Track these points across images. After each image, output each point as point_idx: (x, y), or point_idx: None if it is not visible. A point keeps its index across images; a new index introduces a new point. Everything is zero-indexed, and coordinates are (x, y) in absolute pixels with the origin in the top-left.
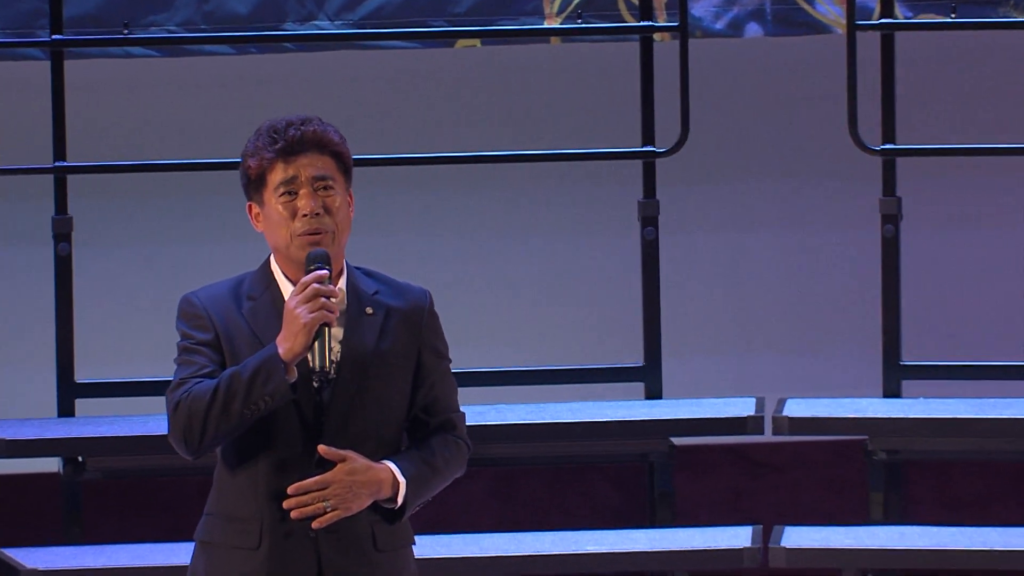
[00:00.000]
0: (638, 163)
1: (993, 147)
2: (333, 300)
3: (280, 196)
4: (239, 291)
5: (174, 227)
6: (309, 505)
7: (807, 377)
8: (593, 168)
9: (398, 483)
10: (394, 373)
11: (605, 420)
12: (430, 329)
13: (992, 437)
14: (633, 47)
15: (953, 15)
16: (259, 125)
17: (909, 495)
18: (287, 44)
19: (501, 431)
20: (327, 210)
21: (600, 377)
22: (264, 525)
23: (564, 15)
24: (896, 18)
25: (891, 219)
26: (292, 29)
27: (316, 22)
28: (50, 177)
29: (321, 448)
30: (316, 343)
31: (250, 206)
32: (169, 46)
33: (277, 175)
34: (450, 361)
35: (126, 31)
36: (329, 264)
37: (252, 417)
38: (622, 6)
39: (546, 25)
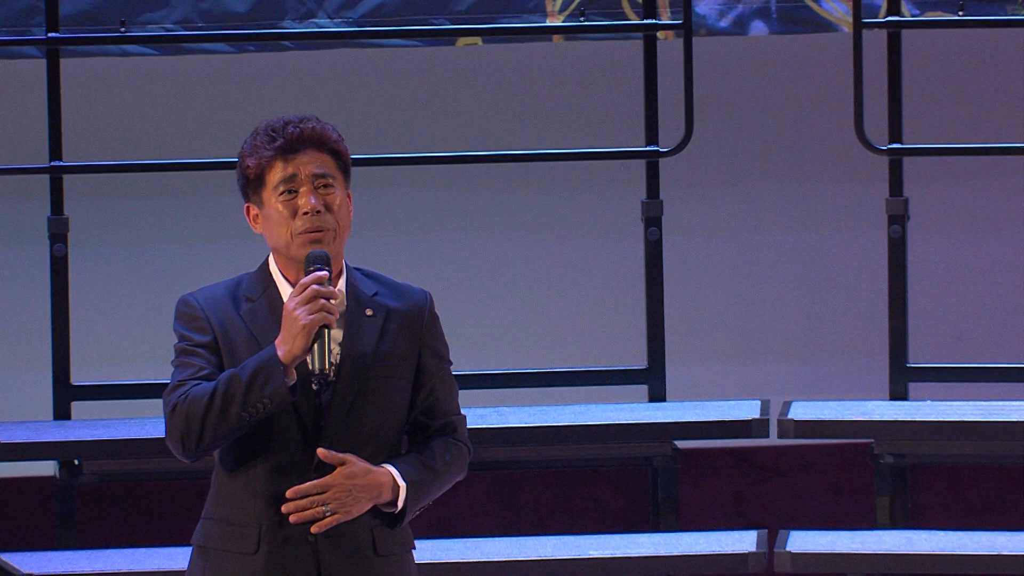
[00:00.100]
0: (641, 163)
1: (1000, 147)
2: (333, 301)
3: (280, 195)
4: (237, 292)
5: (172, 228)
6: (308, 509)
7: (812, 380)
8: (596, 168)
9: (398, 487)
10: (394, 375)
11: (608, 423)
12: (430, 331)
13: (1000, 440)
14: (636, 45)
15: (960, 13)
16: (257, 125)
17: (916, 499)
18: (286, 42)
19: (502, 434)
20: (328, 208)
21: (603, 380)
22: (262, 529)
23: (566, 13)
24: (903, 16)
25: (898, 219)
26: (291, 27)
27: (315, 20)
28: (46, 177)
29: (320, 451)
30: (315, 345)
31: (248, 207)
32: (166, 44)
33: (276, 174)
34: (451, 363)
35: (123, 29)
36: (329, 265)
37: (251, 420)
38: (625, 4)
39: (548, 23)
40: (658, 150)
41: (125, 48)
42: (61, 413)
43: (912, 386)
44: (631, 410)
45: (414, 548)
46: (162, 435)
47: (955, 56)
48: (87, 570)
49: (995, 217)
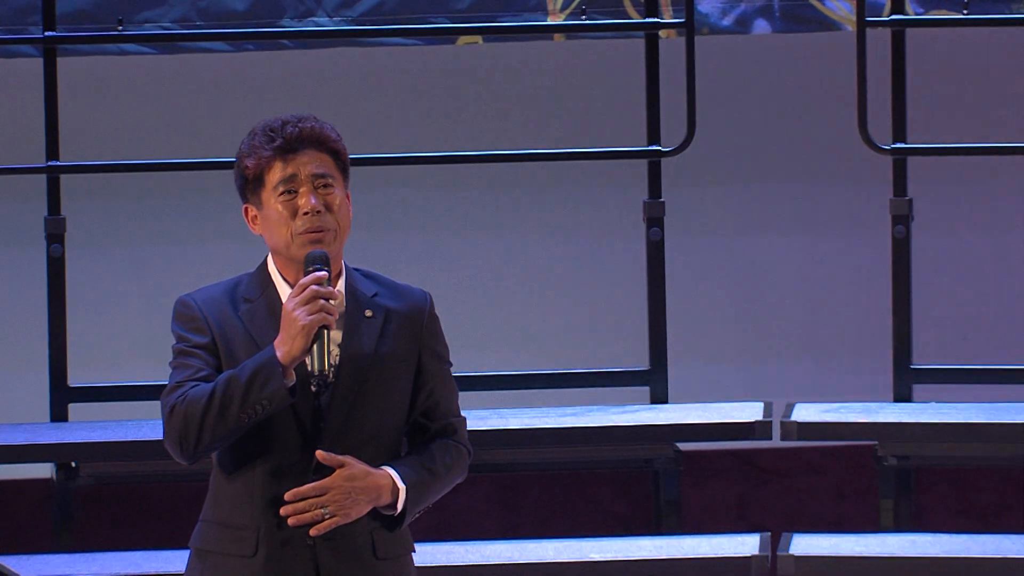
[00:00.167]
0: (643, 163)
1: (1005, 146)
2: (332, 302)
3: (280, 195)
4: (236, 293)
5: (169, 228)
6: (307, 512)
7: (816, 381)
8: (597, 168)
9: (398, 489)
10: (394, 377)
11: (609, 425)
12: (430, 332)
13: (1006, 442)
14: (638, 44)
15: (965, 11)
16: (254, 125)
17: (921, 502)
18: (284, 41)
19: (503, 436)
20: (328, 208)
21: (604, 381)
22: (261, 532)
23: (568, 11)
24: (907, 14)
25: (902, 220)
26: (290, 26)
27: (314, 18)
28: (43, 177)
29: (319, 453)
30: (315, 346)
31: (246, 208)
32: (164, 43)
33: (276, 174)
34: (451, 364)
35: (120, 28)
36: (328, 265)
37: (249, 421)
38: (627, 2)
39: (549, 21)
40: (660, 150)
41: (123, 47)
42: (58, 415)
43: (916, 388)
44: (633, 412)
45: (414, 551)
46: (160, 437)
47: (959, 55)
48: (84, 573)
49: (1000, 217)
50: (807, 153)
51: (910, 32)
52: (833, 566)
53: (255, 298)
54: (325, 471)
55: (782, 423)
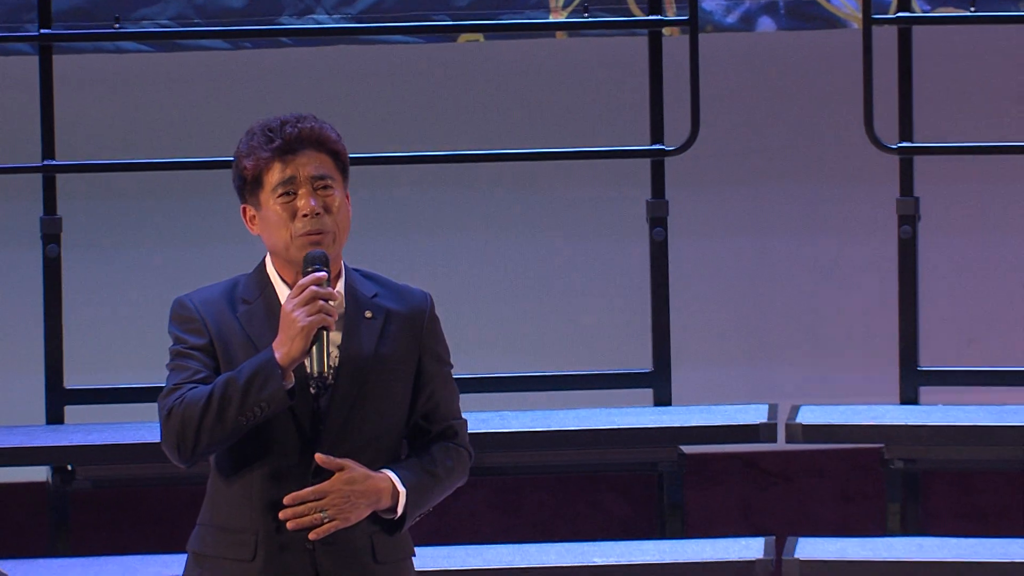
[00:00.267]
0: (646, 162)
1: (1013, 145)
2: (331, 303)
3: (278, 197)
4: (234, 294)
5: (166, 228)
6: (306, 516)
7: (821, 383)
8: (600, 167)
9: (398, 493)
10: (394, 379)
11: (612, 428)
12: (431, 333)
13: (1014, 445)
14: (641, 42)
15: (972, 8)
16: (252, 124)
17: (927, 505)
18: (283, 39)
19: (504, 439)
20: (327, 210)
21: (607, 383)
22: (259, 536)
23: (570, 9)
24: (913, 12)
25: (908, 220)
26: (288, 23)
27: (313, 16)
28: (38, 176)
29: (318, 457)
30: (314, 348)
31: (244, 208)
32: (161, 41)
33: (275, 175)
34: (452, 366)
35: (117, 25)
36: (327, 266)
37: (248, 424)
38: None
39: (551, 19)
40: (664, 149)
41: (119, 44)
42: (54, 417)
43: (923, 390)
44: (636, 414)
45: (414, 555)
46: (157, 440)
47: (967, 52)
48: None
49: (1008, 217)
50: (812, 152)
51: (916, 29)
52: (839, 570)
53: (253, 299)
54: (324, 474)
55: (787, 425)
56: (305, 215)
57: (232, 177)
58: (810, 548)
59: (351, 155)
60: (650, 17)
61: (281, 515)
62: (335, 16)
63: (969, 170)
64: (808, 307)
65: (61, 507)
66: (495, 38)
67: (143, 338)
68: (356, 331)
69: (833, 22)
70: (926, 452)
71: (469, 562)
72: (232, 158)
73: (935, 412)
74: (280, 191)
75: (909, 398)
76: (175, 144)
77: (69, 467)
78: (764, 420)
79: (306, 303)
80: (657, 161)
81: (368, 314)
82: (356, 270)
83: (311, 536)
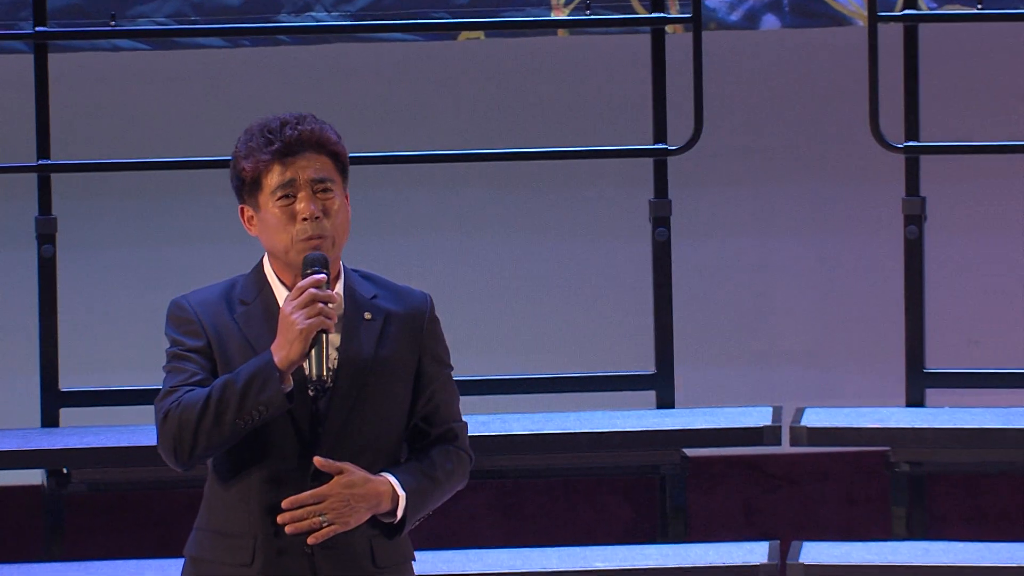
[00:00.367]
0: (649, 161)
1: (1020, 144)
2: (330, 305)
3: (278, 200)
4: (231, 295)
5: (163, 228)
6: (304, 520)
7: (826, 385)
8: (602, 167)
9: (397, 496)
10: (394, 381)
11: (615, 430)
12: (431, 335)
13: (1020, 448)
14: (644, 40)
15: (979, 6)
16: (249, 124)
17: (933, 509)
18: (282, 37)
19: (505, 442)
20: (326, 213)
21: (609, 385)
22: (257, 541)
23: (572, 6)
24: (920, 9)
25: (914, 220)
26: (287, 21)
27: (312, 13)
28: (33, 176)
29: (317, 460)
30: (313, 351)
31: (242, 209)
32: (158, 38)
33: (274, 178)
34: (452, 368)
35: (113, 23)
36: (326, 267)
37: (246, 428)
38: None
39: (553, 17)
40: (667, 148)
41: (115, 42)
42: (49, 420)
43: (929, 392)
44: (638, 417)
45: (414, 559)
46: (153, 443)
47: (974, 51)
48: None
49: (1015, 217)
50: (817, 151)
51: (923, 27)
52: (843, 575)
53: (251, 300)
54: (323, 478)
55: (791, 428)
56: (305, 219)
57: (230, 176)
58: (815, 552)
59: (350, 154)
60: (653, 15)
61: (279, 519)
62: (334, 14)
63: (975, 169)
64: (812, 308)
65: (56, 511)
66: (496, 36)
67: (139, 339)
68: (355, 333)
69: (838, 19)
70: (932, 455)
71: (469, 566)
72: (230, 157)
73: (941, 415)
74: (279, 194)
75: (915, 400)
76: (172, 143)
77: (64, 470)
78: (768, 423)
79: (305, 305)
80: (660, 160)
81: (367, 315)
82: (355, 271)
83: (310, 540)
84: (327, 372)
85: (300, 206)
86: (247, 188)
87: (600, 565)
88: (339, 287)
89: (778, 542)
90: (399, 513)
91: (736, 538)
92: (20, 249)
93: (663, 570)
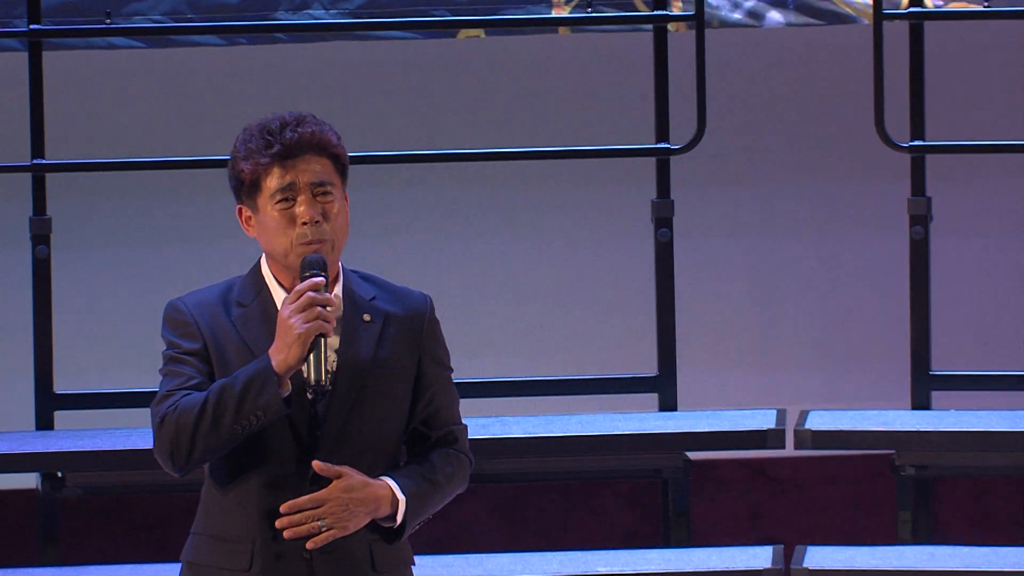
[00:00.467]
0: (651, 161)
1: None
2: (329, 309)
3: (277, 203)
4: (228, 297)
5: (159, 228)
6: (303, 524)
7: (831, 388)
8: (604, 166)
9: (397, 500)
10: (393, 384)
11: (616, 433)
12: (431, 336)
13: None
14: (646, 38)
15: (986, 4)
16: (248, 124)
17: (939, 513)
18: (279, 35)
19: (506, 445)
20: (326, 216)
21: (611, 388)
22: (256, 545)
23: (573, 4)
24: (925, 7)
25: (920, 220)
26: (284, 19)
27: (310, 11)
28: (27, 176)
29: (316, 464)
30: (311, 355)
31: (240, 209)
32: (154, 36)
33: (274, 181)
34: (452, 370)
35: (108, 21)
36: (325, 270)
37: (243, 433)
38: None
39: (554, 14)
40: (669, 147)
41: (111, 40)
42: (43, 423)
43: (935, 395)
44: (640, 420)
45: (413, 564)
46: (149, 446)
47: (980, 48)
48: None
49: (1022, 218)
50: (821, 151)
51: (929, 25)
52: None
53: (249, 302)
54: (322, 482)
55: (796, 431)
56: (304, 222)
57: (228, 176)
58: (819, 557)
59: (348, 154)
60: (655, 12)
61: (278, 523)
62: (332, 11)
63: (982, 169)
64: (817, 310)
65: (51, 515)
66: (496, 34)
67: (135, 341)
68: (354, 335)
69: (843, 17)
70: (938, 458)
71: (470, 571)
72: (227, 156)
73: (947, 417)
74: (279, 197)
75: (921, 403)
76: (169, 142)
77: (59, 474)
78: (772, 426)
79: (303, 309)
80: (662, 160)
81: (366, 317)
82: (354, 272)
83: (309, 545)
84: (325, 376)
85: (300, 210)
86: (245, 189)
87: (602, 570)
88: (338, 289)
89: (782, 546)
90: (399, 517)
91: (740, 543)
92: (14, 250)
93: (666, 575)
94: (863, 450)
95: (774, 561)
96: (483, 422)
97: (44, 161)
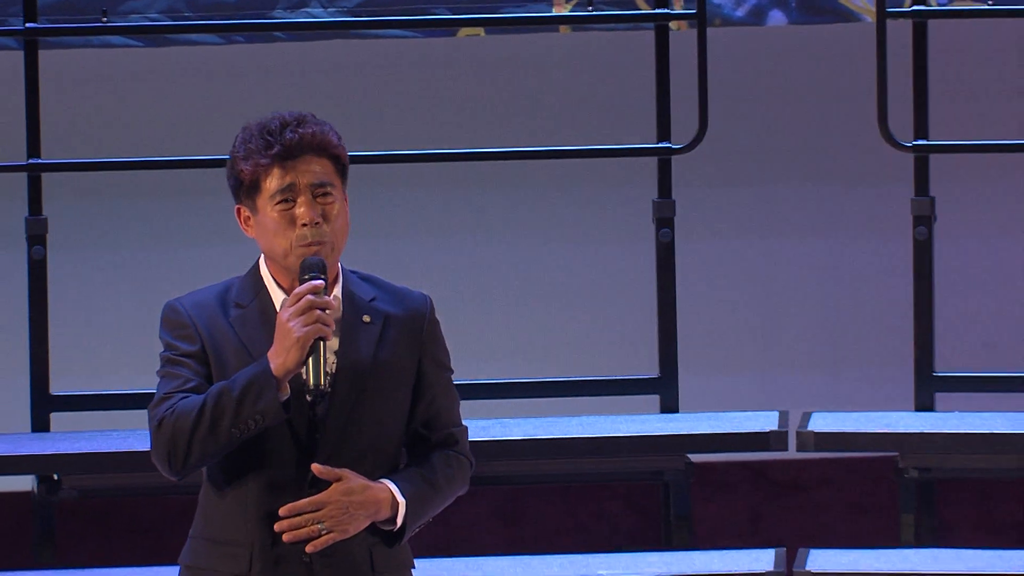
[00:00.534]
0: (653, 161)
1: None
2: (328, 312)
3: (277, 204)
4: (227, 298)
5: (156, 229)
6: (303, 527)
7: (833, 390)
8: (605, 166)
9: (397, 503)
10: (393, 385)
11: (618, 435)
12: (431, 338)
13: None
14: (648, 36)
15: (990, 2)
16: (247, 123)
17: (943, 516)
18: (277, 33)
19: (507, 447)
20: (326, 218)
21: (612, 389)
22: (254, 549)
23: (574, 2)
24: (929, 5)
25: (924, 220)
26: (282, 17)
27: (308, 9)
28: (23, 175)
29: (315, 467)
30: (311, 359)
31: (239, 209)
32: (151, 35)
33: (273, 182)
34: (452, 372)
35: (105, 19)
36: (325, 273)
37: (242, 437)
38: None
39: (555, 13)
40: (670, 147)
41: (107, 39)
42: (39, 425)
43: (939, 396)
44: (642, 422)
45: (414, 567)
46: (146, 448)
47: (984, 47)
48: None
49: None
50: (824, 150)
51: (932, 23)
52: None
53: (247, 303)
54: (321, 485)
55: (798, 433)
56: (304, 224)
57: (227, 176)
58: (822, 560)
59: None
60: (656, 10)
61: (277, 527)
62: (330, 10)
63: (986, 169)
64: (820, 311)
65: (46, 518)
66: (496, 33)
67: (132, 342)
68: (354, 336)
69: (846, 15)
70: (942, 461)
71: (469, 574)
72: (225, 155)
73: (951, 419)
74: (279, 198)
75: (924, 405)
76: (165, 142)
77: (55, 476)
78: (774, 428)
79: (302, 313)
80: (664, 160)
81: (366, 318)
82: (353, 272)
83: (308, 549)
84: (325, 380)
85: (300, 211)
86: (245, 189)
87: (603, 573)
88: (337, 290)
89: (784, 550)
90: (399, 520)
91: (741, 545)
92: (10, 250)
93: None
94: (866, 452)
95: (776, 564)
96: (483, 424)
97: (40, 161)
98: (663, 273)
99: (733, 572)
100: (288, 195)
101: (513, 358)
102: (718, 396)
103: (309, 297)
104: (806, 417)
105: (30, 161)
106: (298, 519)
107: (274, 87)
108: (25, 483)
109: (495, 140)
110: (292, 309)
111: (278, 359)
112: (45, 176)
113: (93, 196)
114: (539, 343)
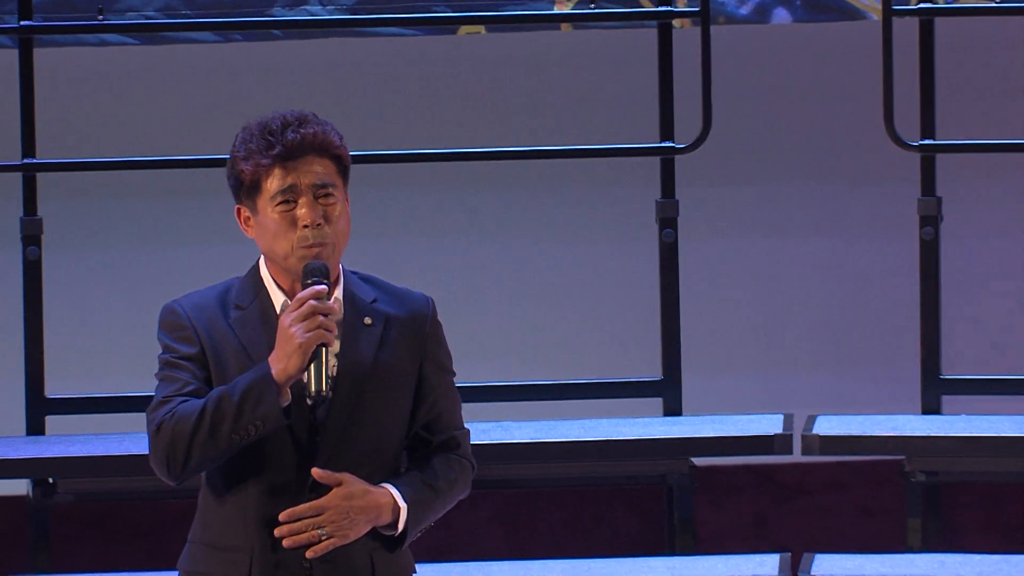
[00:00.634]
0: (656, 160)
1: None
2: (330, 317)
3: (277, 205)
4: (226, 299)
5: (153, 229)
6: (303, 533)
7: (839, 392)
8: (607, 166)
9: (398, 508)
10: (394, 388)
11: (620, 439)
12: (433, 339)
13: None
14: (651, 34)
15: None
16: (247, 122)
17: (950, 520)
18: (275, 31)
19: (508, 450)
20: (327, 219)
21: (615, 392)
22: (254, 554)
23: (575, 0)
24: (936, 2)
25: (930, 221)
26: (281, 15)
27: (307, 7)
28: (18, 175)
29: (315, 471)
30: (312, 364)
31: (239, 209)
32: (148, 33)
33: (275, 183)
34: (454, 374)
35: (101, 17)
36: (327, 277)
37: (241, 443)
38: None
39: (556, 11)
40: (674, 146)
41: (103, 37)
42: (34, 428)
43: (946, 399)
44: (645, 425)
45: (415, 572)
46: (143, 451)
47: (991, 45)
48: None
49: None
50: (829, 150)
51: (939, 21)
52: None
53: (247, 305)
54: (322, 489)
55: (803, 436)
56: (306, 225)
57: (227, 175)
58: (828, 565)
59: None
60: (660, 8)
61: (277, 532)
62: (329, 7)
63: (993, 168)
64: (825, 312)
65: (42, 522)
66: (497, 31)
67: (129, 344)
68: (355, 338)
69: (852, 13)
70: (949, 464)
71: None
72: (224, 155)
73: (958, 422)
74: (280, 199)
75: (931, 408)
76: (162, 141)
77: (50, 480)
78: (779, 431)
79: (304, 318)
80: (667, 159)
81: (367, 320)
82: (354, 273)
83: (308, 554)
84: (326, 385)
85: (301, 212)
86: (245, 190)
87: None
88: (338, 292)
89: (789, 554)
90: (400, 525)
91: (746, 550)
92: (5, 251)
93: None
94: (872, 455)
95: (781, 569)
96: (484, 427)
97: (35, 160)
98: (666, 274)
99: None
100: (289, 196)
101: (515, 360)
102: (721, 397)
103: (312, 302)
104: (811, 420)
105: (25, 161)
106: (298, 524)
107: (272, 86)
108: (20, 487)
109: (496, 139)
110: (295, 314)
111: (279, 364)
112: (40, 176)
113: (89, 196)
114: (541, 345)
